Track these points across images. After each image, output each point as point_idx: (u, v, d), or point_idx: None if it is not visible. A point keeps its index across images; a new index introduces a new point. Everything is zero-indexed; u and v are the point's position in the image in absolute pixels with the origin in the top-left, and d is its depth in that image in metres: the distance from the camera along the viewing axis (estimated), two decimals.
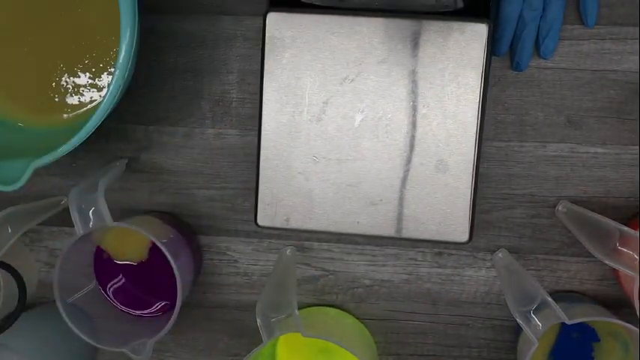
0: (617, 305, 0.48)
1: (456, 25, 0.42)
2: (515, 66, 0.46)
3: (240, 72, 0.49)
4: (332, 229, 0.45)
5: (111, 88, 0.40)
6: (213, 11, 0.48)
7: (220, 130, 0.50)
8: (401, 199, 0.44)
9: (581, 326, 0.48)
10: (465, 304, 0.50)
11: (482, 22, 0.42)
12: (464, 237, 0.44)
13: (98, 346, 0.46)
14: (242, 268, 0.52)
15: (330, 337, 0.42)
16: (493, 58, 0.46)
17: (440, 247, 0.50)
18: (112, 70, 0.43)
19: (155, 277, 0.52)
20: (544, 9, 0.43)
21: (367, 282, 0.51)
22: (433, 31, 0.42)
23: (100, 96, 0.49)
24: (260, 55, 0.44)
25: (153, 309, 0.52)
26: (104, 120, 0.41)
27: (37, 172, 0.41)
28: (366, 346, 0.50)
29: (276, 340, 0.48)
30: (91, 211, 0.43)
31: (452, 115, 0.43)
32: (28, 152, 0.43)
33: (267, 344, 0.41)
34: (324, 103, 0.44)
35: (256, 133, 0.45)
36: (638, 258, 0.39)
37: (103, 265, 0.52)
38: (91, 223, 0.43)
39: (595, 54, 0.46)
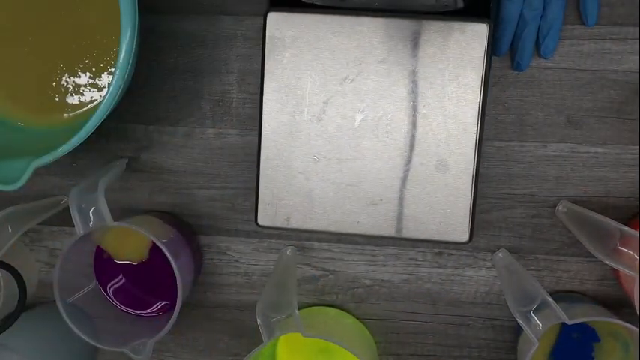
0: (618, 305, 0.48)
1: (456, 25, 0.42)
2: (516, 66, 0.46)
3: (241, 72, 0.49)
4: (332, 228, 0.45)
5: (111, 87, 0.40)
6: (213, 11, 0.48)
7: (220, 130, 0.50)
8: (401, 199, 0.44)
9: (582, 326, 0.48)
10: (465, 304, 0.50)
11: (482, 21, 0.42)
12: (464, 237, 0.44)
13: (98, 345, 0.46)
14: (242, 267, 0.52)
15: (331, 337, 0.42)
16: (493, 58, 0.46)
17: (440, 247, 0.50)
18: (113, 69, 0.43)
19: (155, 277, 0.52)
20: (544, 9, 0.43)
21: (367, 282, 0.51)
22: (433, 31, 0.42)
23: (101, 96, 0.49)
24: (260, 55, 0.44)
25: (153, 309, 0.52)
26: (104, 120, 0.41)
27: (37, 172, 0.41)
28: (366, 346, 0.50)
29: (276, 340, 0.48)
30: (91, 211, 0.43)
31: (452, 115, 0.43)
32: (28, 152, 0.43)
33: (267, 344, 0.41)
34: (324, 102, 0.44)
35: (256, 133, 0.45)
36: (638, 258, 0.39)
37: (103, 265, 0.52)
38: (92, 222, 0.43)
39: (595, 54, 0.46)
